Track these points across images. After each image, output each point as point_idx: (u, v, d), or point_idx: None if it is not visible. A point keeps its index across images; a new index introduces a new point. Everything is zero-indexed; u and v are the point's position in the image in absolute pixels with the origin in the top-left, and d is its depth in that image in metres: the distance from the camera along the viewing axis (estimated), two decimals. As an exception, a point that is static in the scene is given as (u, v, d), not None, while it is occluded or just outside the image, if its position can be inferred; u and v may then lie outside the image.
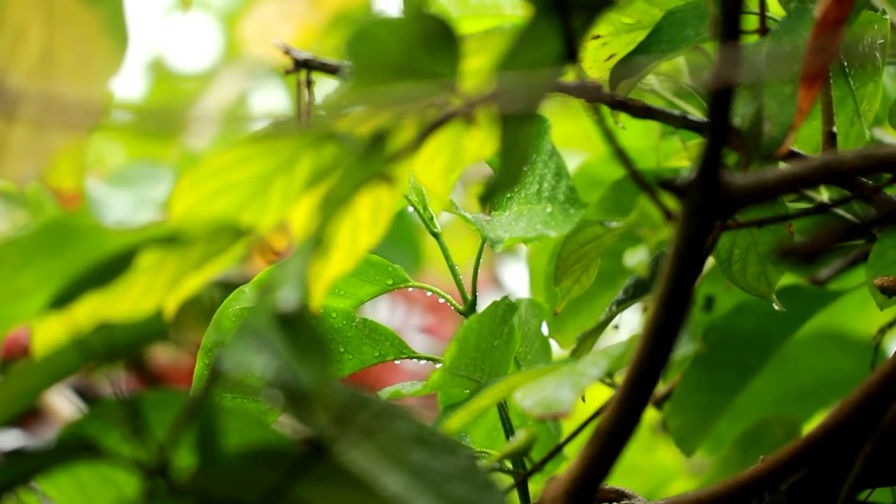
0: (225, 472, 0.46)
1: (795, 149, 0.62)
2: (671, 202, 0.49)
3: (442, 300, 0.68)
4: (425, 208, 0.68)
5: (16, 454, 0.47)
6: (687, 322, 0.49)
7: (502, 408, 0.66)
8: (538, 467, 0.64)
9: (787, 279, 0.76)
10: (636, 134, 0.78)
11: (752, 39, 0.62)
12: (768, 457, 0.55)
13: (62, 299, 0.47)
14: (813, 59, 0.53)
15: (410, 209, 0.68)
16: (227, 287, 0.65)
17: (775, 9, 0.63)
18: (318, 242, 0.45)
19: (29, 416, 1.14)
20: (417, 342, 1.29)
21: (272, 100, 1.62)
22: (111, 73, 0.53)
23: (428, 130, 0.49)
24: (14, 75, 0.52)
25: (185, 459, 0.47)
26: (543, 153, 0.62)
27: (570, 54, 0.49)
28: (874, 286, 0.66)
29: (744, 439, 0.72)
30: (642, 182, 0.50)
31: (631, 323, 1.03)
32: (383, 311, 1.34)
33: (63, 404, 1.12)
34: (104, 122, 0.53)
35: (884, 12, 0.64)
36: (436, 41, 0.48)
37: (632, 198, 0.70)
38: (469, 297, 0.67)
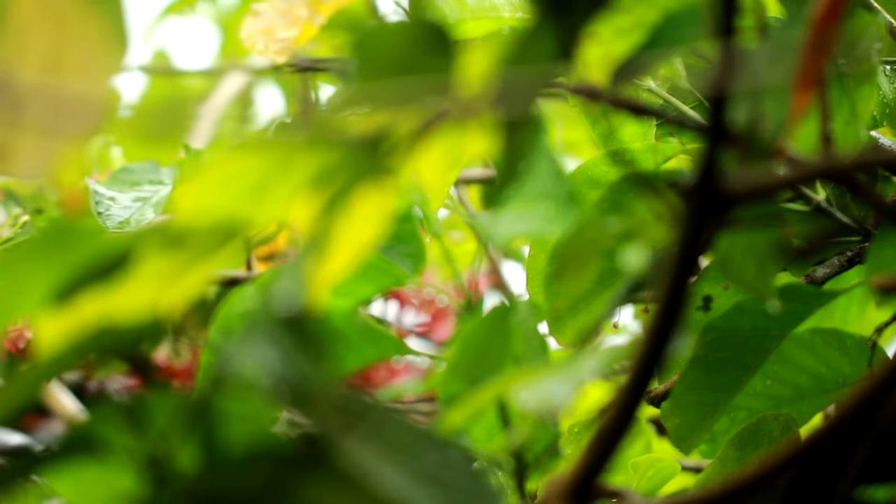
0: (228, 472, 0.46)
1: (793, 149, 0.62)
2: (671, 202, 0.50)
3: (439, 300, 0.69)
4: (426, 207, 0.68)
5: (19, 451, 0.47)
6: (685, 321, 0.49)
7: (501, 406, 0.67)
8: (535, 464, 0.64)
9: (785, 278, 0.76)
10: (634, 135, 0.78)
11: (750, 39, 0.62)
12: (767, 456, 0.55)
13: (62, 298, 0.48)
14: (809, 58, 0.54)
15: (413, 208, 0.69)
16: (230, 287, 0.65)
17: (774, 9, 0.64)
18: (320, 242, 0.46)
19: (34, 415, 1.14)
20: (411, 342, 1.29)
21: (272, 100, 1.62)
22: (112, 74, 0.53)
23: (427, 129, 0.50)
24: (19, 75, 0.52)
25: (187, 460, 0.47)
26: (542, 153, 0.62)
27: (569, 55, 0.49)
28: (872, 285, 0.67)
29: (740, 438, 0.72)
30: (642, 182, 0.51)
31: (627, 323, 1.03)
32: (376, 311, 1.34)
33: (68, 404, 1.12)
34: (107, 123, 0.53)
35: (879, 13, 0.64)
36: (436, 45, 0.48)
37: (630, 198, 0.70)
38: (470, 296, 0.68)
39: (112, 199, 0.91)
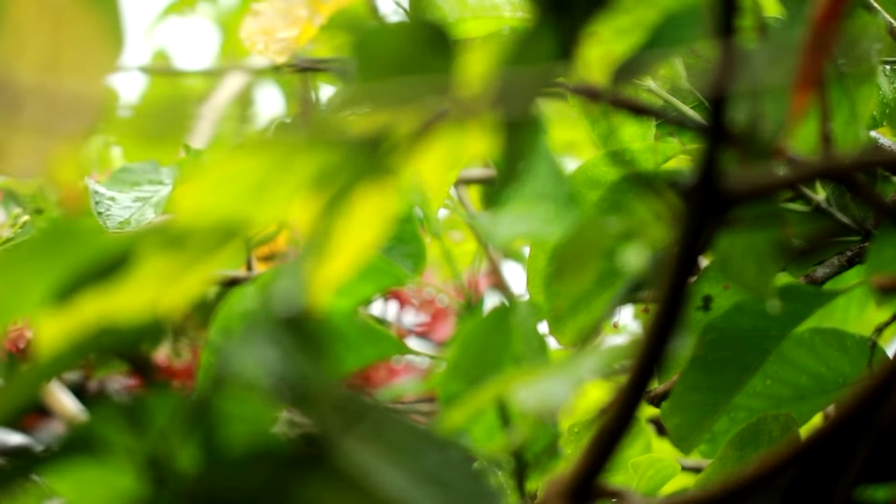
0: (228, 472, 0.46)
1: (793, 149, 0.62)
2: (671, 202, 0.50)
3: (439, 300, 0.69)
4: (426, 207, 0.68)
5: (19, 452, 0.47)
6: (685, 321, 0.49)
7: (501, 406, 0.67)
8: (535, 464, 0.64)
9: (785, 278, 0.76)
10: (634, 135, 0.78)
11: (750, 39, 0.62)
12: (767, 456, 0.55)
13: (62, 298, 0.48)
14: (809, 58, 0.54)
15: (414, 208, 0.69)
16: (230, 287, 0.65)
17: (774, 9, 0.64)
18: (321, 242, 0.46)
19: (34, 415, 1.14)
20: (411, 342, 1.29)
21: (272, 100, 1.62)
22: (109, 73, 0.53)
23: (427, 129, 0.50)
24: (16, 74, 0.52)
25: (187, 460, 0.47)
26: (542, 153, 0.62)
27: (569, 55, 0.49)
28: (872, 285, 0.67)
29: (740, 438, 0.72)
30: (642, 182, 0.51)
31: (627, 323, 1.02)
32: (376, 311, 1.34)
33: (68, 404, 1.12)
34: (106, 122, 0.53)
35: (879, 13, 0.64)
36: (436, 45, 0.48)
37: (630, 198, 0.70)
38: (470, 296, 0.68)
39: (112, 199, 0.91)
